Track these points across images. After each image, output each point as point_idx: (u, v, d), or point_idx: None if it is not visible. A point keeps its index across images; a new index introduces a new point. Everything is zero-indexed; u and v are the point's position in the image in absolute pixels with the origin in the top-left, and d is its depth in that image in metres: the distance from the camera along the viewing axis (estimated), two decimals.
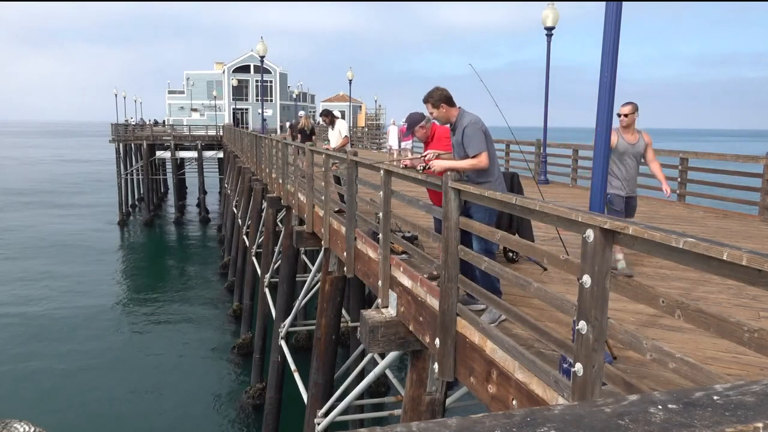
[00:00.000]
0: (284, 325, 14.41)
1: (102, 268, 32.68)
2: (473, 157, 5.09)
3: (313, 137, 15.40)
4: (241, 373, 19.59)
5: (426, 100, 5.35)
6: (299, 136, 15.42)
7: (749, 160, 11.93)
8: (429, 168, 5.46)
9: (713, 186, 12.58)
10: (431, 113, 5.39)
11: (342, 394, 9.63)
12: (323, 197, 9.32)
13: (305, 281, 14.75)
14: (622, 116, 6.64)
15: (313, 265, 17.14)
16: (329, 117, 11.92)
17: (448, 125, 5.48)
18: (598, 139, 4.06)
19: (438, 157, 5.50)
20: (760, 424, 0.90)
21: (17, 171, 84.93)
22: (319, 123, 39.28)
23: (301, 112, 17.24)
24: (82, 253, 36.16)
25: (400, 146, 24.62)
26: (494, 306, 4.35)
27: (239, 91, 76.30)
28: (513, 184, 6.86)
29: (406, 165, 6.07)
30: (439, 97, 5.27)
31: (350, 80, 43.05)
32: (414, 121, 6.04)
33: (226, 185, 41.26)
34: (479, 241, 4.95)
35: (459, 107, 5.36)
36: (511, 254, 6.98)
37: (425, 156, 5.60)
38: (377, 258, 6.64)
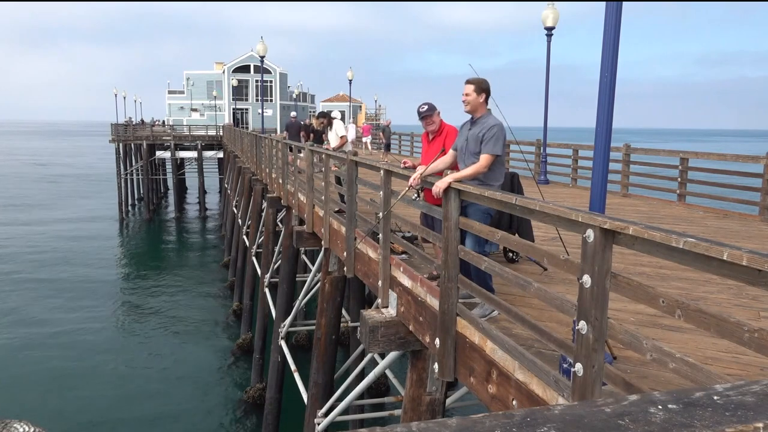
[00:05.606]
0: (284, 325, 14.41)
1: (101, 268, 32.68)
2: (480, 160, 4.98)
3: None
4: (241, 373, 19.59)
5: (470, 82, 5.24)
6: (312, 136, 15.31)
7: (749, 160, 11.93)
8: (423, 190, 5.39)
9: (713, 186, 12.58)
10: (466, 95, 5.20)
11: (342, 394, 9.62)
12: (323, 197, 9.33)
13: (305, 281, 14.75)
14: None
15: (313, 265, 17.14)
16: (326, 119, 12.07)
17: (467, 121, 5.35)
18: (598, 139, 4.06)
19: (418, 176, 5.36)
20: (760, 424, 0.90)
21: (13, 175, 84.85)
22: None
23: (293, 113, 17.36)
24: (82, 252, 36.15)
25: (361, 140, 29.56)
26: (494, 305, 4.35)
27: (239, 91, 76.26)
28: (513, 184, 6.84)
29: (406, 165, 6.04)
30: (486, 88, 5.22)
31: (350, 80, 43.03)
32: (426, 112, 5.95)
33: (226, 185, 41.26)
34: (475, 243, 4.91)
35: (488, 108, 5.32)
36: (511, 254, 6.98)
37: (412, 182, 5.45)
38: (377, 258, 6.63)
